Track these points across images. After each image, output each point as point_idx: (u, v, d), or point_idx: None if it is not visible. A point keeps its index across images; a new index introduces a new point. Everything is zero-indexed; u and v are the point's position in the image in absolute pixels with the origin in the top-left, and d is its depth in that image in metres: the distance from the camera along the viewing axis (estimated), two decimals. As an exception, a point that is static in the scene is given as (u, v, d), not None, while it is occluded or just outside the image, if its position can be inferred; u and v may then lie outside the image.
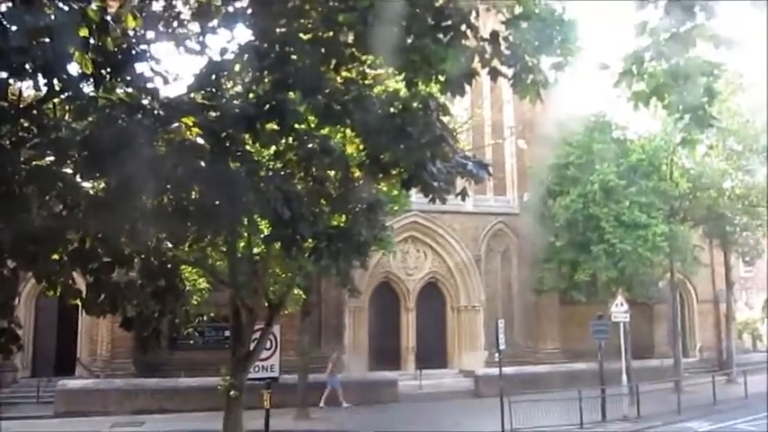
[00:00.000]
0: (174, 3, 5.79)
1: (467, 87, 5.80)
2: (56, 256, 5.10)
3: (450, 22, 5.45)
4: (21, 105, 4.90)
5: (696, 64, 5.61)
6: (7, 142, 4.75)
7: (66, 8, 4.45)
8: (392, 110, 6.50)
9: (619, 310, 20.98)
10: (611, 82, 5.77)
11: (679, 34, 5.45)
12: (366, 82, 6.62)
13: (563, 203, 24.21)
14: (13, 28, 4.06)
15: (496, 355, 20.35)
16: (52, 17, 4.26)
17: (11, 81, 4.57)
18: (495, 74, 5.67)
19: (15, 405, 21.14)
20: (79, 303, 5.51)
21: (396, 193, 13.59)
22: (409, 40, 5.49)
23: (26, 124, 4.94)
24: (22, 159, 4.83)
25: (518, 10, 5.63)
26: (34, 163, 4.98)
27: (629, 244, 22.73)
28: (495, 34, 5.59)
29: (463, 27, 5.43)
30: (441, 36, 5.38)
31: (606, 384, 20.15)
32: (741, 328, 34.49)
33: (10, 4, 4.26)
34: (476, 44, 5.58)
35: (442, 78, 5.82)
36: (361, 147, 7.24)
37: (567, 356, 28.13)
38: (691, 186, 24.71)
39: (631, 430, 18.70)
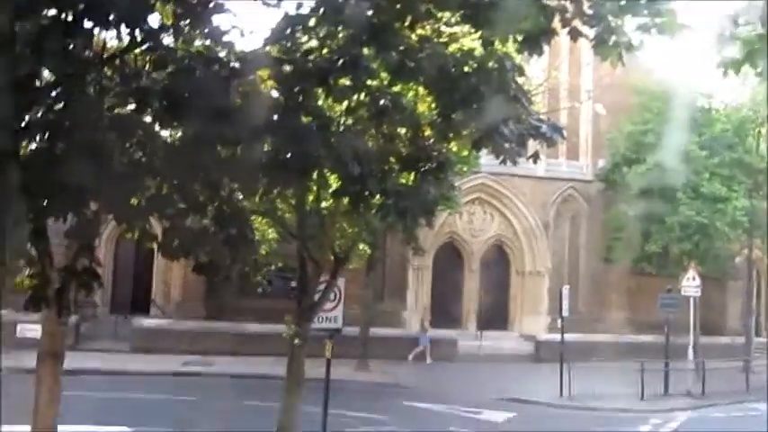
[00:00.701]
0: (252, -45, 5.79)
1: (545, 47, 5.62)
2: (134, 201, 5.29)
3: (531, -21, 5.26)
4: (104, 55, 5.06)
5: (795, 29, 5.25)
6: (92, 90, 4.93)
7: (149, -41, 4.54)
8: (466, 69, 6.37)
9: (690, 284, 20.36)
10: (700, 46, 5.48)
11: (779, -4, 5.11)
12: (441, 40, 6.49)
13: (638, 171, 23.44)
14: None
15: (559, 321, 20.19)
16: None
17: (96, 31, 4.72)
18: (575, 34, 5.44)
19: (95, 339, 22.49)
20: (155, 247, 5.72)
21: (466, 153, 13.40)
22: (488, -2, 5.34)
23: (109, 73, 5.10)
24: (105, 107, 5.01)
25: (604, -33, 5.37)
26: (116, 111, 5.16)
27: (705, 217, 21.91)
28: (578, -8, 5.37)
29: (544, -16, 5.24)
30: (521, -7, 5.20)
31: (671, 359, 19.72)
32: (821, 310, 32.91)
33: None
34: (557, 2, 5.38)
35: (519, 38, 5.65)
36: (433, 105, 7.14)
37: (633, 328, 27.59)
38: (777, 160, 23.47)
39: (695, 406, 18.31)
